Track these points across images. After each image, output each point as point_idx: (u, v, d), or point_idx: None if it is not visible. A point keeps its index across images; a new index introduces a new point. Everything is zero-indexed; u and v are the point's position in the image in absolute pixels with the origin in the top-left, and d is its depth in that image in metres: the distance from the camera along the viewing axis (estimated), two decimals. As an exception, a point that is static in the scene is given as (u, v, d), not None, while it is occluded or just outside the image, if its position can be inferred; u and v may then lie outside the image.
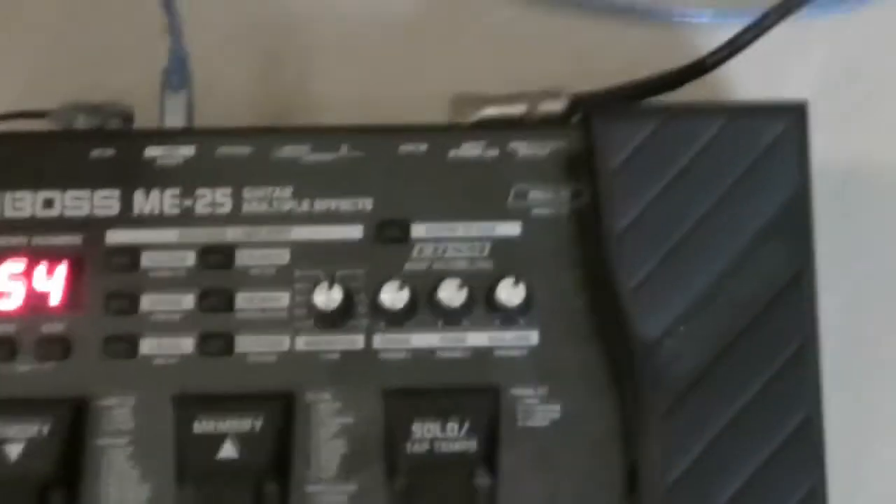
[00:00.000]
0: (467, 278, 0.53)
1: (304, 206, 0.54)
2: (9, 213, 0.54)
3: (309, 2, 0.64)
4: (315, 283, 0.53)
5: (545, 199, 0.55)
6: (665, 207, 0.51)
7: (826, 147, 0.58)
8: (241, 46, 0.63)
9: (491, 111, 0.57)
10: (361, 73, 0.63)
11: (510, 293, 0.53)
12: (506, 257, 0.54)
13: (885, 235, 0.62)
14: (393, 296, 0.53)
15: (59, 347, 0.53)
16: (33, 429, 0.51)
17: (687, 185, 0.51)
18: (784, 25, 0.60)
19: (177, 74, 0.57)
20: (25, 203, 0.54)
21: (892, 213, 0.62)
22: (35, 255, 0.53)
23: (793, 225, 0.51)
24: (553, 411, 0.53)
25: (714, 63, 0.57)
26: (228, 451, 0.51)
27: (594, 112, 0.52)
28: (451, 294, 0.53)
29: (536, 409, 0.53)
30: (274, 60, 0.63)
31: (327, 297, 0.52)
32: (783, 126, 0.51)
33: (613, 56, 0.63)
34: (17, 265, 0.53)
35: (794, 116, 0.51)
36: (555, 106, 0.57)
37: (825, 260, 0.54)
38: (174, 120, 0.57)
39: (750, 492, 0.49)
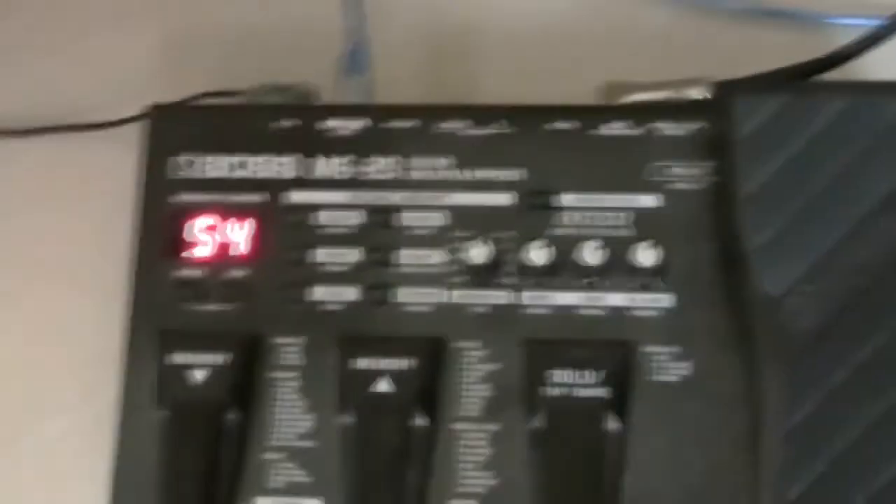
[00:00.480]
0: (608, 243, 0.58)
1: (463, 174, 0.60)
2: (205, 172, 0.61)
3: (478, 3, 0.70)
4: (469, 241, 0.59)
5: (684, 175, 0.59)
6: (792, 174, 0.55)
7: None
8: (415, 44, 0.69)
9: (637, 97, 0.62)
10: (522, 73, 0.68)
11: (647, 255, 0.57)
12: (645, 226, 0.59)
13: None
14: (538, 253, 0.58)
15: (241, 291, 0.59)
16: (216, 358, 0.58)
17: (813, 154, 0.55)
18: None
19: (357, 59, 0.64)
20: (220, 165, 0.62)
21: None
22: (225, 210, 0.61)
23: (916, 197, 0.54)
24: (684, 368, 0.57)
25: (852, 54, 0.60)
26: (384, 386, 0.57)
27: (727, 86, 0.57)
28: (590, 253, 0.58)
29: (668, 365, 0.57)
30: (444, 57, 0.69)
31: (479, 252, 0.58)
32: (909, 104, 0.54)
33: (760, 60, 0.67)
34: (209, 218, 0.61)
35: (920, 96, 0.55)
36: (698, 92, 0.61)
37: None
38: (352, 99, 0.64)
39: (866, 444, 0.52)
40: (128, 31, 0.70)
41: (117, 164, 0.64)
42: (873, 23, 0.64)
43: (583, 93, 0.63)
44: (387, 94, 0.65)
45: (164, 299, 0.59)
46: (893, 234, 0.54)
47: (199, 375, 0.58)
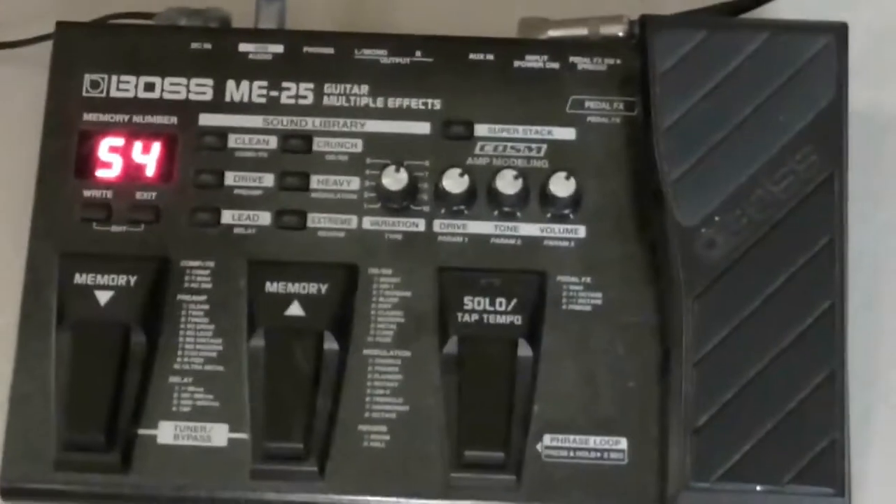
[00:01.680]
0: (523, 174, 0.58)
1: (379, 102, 0.60)
2: (114, 93, 0.60)
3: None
4: (384, 169, 0.58)
5: (600, 109, 0.59)
6: (708, 109, 0.55)
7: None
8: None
9: (555, 32, 0.62)
10: (441, 5, 0.68)
11: (561, 186, 0.57)
12: (560, 158, 0.59)
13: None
14: (454, 181, 0.58)
15: (150, 213, 0.58)
16: (122, 279, 0.57)
17: (730, 90, 0.56)
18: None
19: (273, -15, 0.63)
20: (129, 85, 0.60)
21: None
22: (134, 132, 0.59)
23: (827, 132, 0.55)
24: (595, 298, 0.57)
25: (765, -2, 0.61)
26: (295, 309, 0.56)
27: (649, 21, 0.57)
28: (506, 183, 0.58)
29: (580, 295, 0.57)
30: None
31: (394, 179, 0.58)
32: (824, 42, 0.56)
33: (677, 5, 0.68)
34: (118, 139, 0.59)
35: (834, 35, 0.56)
36: (616, 29, 0.62)
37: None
38: (267, 26, 0.63)
39: (773, 371, 0.53)
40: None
41: (28, 85, 0.62)
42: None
43: (499, 29, 0.63)
44: (302, 23, 0.64)
45: (69, 220, 0.58)
46: (805, 167, 0.55)
47: (103, 297, 0.56)
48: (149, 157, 0.59)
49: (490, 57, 0.60)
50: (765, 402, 0.53)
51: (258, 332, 0.56)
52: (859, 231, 0.61)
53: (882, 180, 0.63)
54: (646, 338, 0.56)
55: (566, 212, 0.58)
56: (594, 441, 0.56)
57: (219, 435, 0.56)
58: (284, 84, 0.60)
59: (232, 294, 0.57)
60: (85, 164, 0.59)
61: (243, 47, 0.60)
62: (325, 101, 0.60)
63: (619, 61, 0.60)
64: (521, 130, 0.59)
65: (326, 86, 0.60)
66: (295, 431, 0.55)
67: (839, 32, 0.56)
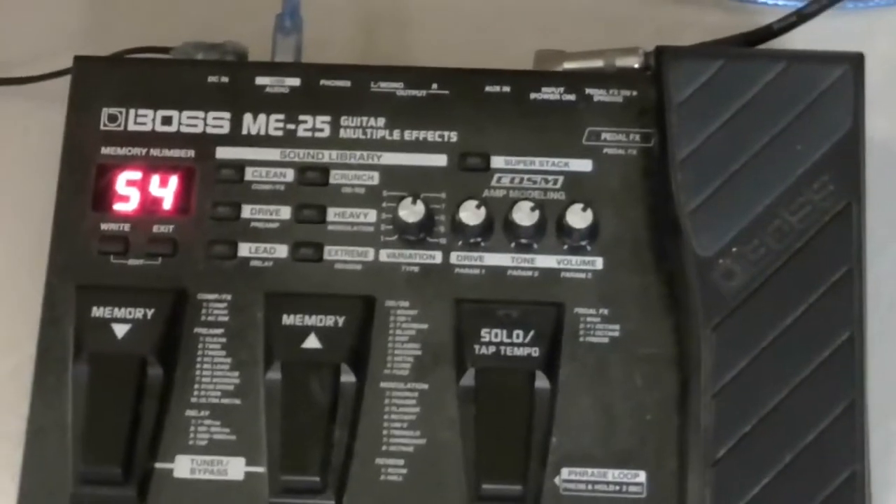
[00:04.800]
0: (540, 205, 0.58)
1: (395, 135, 0.60)
2: (131, 126, 0.60)
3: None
4: (400, 201, 0.58)
5: (616, 141, 0.59)
6: (725, 139, 0.55)
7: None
8: (350, 10, 0.69)
9: (571, 64, 0.62)
10: (456, 39, 0.68)
11: (578, 217, 0.57)
12: (577, 189, 0.59)
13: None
14: (470, 213, 0.57)
15: (167, 246, 0.58)
16: (139, 312, 0.57)
17: (746, 120, 0.56)
18: (851, 14, 0.64)
19: (289, 19, 0.63)
20: (147, 119, 0.60)
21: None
22: (152, 165, 0.60)
23: (844, 162, 0.55)
24: (612, 330, 0.57)
25: (781, 29, 0.61)
26: (312, 342, 0.56)
27: (664, 52, 0.57)
28: (523, 215, 0.57)
29: (597, 326, 0.57)
30: (378, 24, 0.69)
31: (410, 211, 0.57)
32: (840, 72, 0.56)
33: (692, 37, 0.68)
34: (135, 173, 0.59)
35: (851, 64, 0.56)
36: (631, 60, 0.62)
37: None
38: (283, 59, 0.63)
39: (791, 404, 0.53)
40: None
41: (45, 119, 0.62)
42: (798, 4, 0.65)
43: (516, 61, 0.63)
44: (319, 58, 0.64)
45: (86, 253, 0.58)
46: (822, 197, 0.55)
47: (120, 329, 0.56)
48: (166, 191, 0.59)
49: (506, 89, 0.60)
50: (784, 434, 0.53)
51: (275, 364, 0.56)
52: (877, 261, 0.61)
53: (898, 211, 0.63)
54: (664, 369, 0.56)
55: (583, 243, 0.58)
56: (612, 474, 0.55)
57: (235, 469, 0.56)
58: (301, 117, 0.60)
59: (249, 327, 0.57)
60: (102, 197, 0.59)
61: (260, 80, 0.60)
62: (342, 133, 0.60)
63: (635, 93, 0.60)
64: (537, 162, 0.59)
65: (343, 118, 0.60)
66: (312, 464, 0.54)
67: (855, 62, 0.56)
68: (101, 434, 0.55)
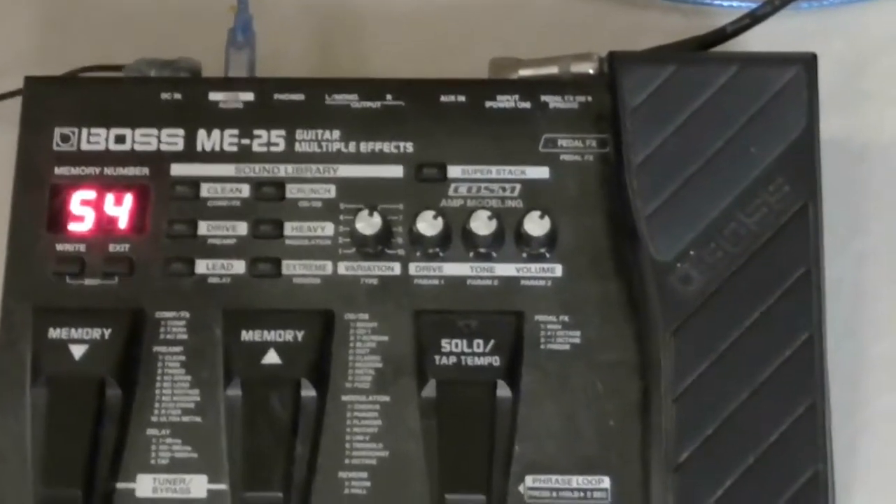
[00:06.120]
0: (497, 214, 0.58)
1: (351, 147, 0.59)
2: (84, 146, 0.59)
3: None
4: (357, 213, 0.58)
5: (573, 147, 0.59)
6: (680, 143, 0.55)
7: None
8: (300, 21, 0.69)
9: (526, 72, 0.62)
10: (411, 49, 0.68)
11: (536, 225, 0.57)
12: (534, 197, 0.58)
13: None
14: (428, 224, 0.57)
15: (123, 265, 0.58)
16: (96, 332, 0.56)
17: (701, 123, 0.56)
18: (805, 14, 0.64)
19: (241, 34, 0.63)
20: (100, 138, 0.60)
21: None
22: (106, 184, 0.59)
23: (799, 163, 0.55)
24: (573, 337, 0.57)
25: (734, 31, 0.61)
26: (272, 357, 0.56)
27: (617, 58, 0.57)
28: (481, 224, 0.57)
29: (558, 334, 0.57)
30: (332, 34, 0.69)
31: (368, 223, 0.57)
32: (794, 73, 0.56)
33: (649, 41, 0.68)
34: (89, 193, 0.59)
35: (803, 65, 0.56)
36: (586, 66, 0.62)
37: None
38: (237, 74, 0.63)
39: (754, 405, 0.53)
40: (5, 5, 0.69)
41: None
42: (753, 5, 0.65)
43: (471, 69, 0.63)
44: (274, 71, 0.64)
45: (42, 275, 0.58)
46: (778, 199, 0.55)
47: (77, 351, 0.56)
48: (121, 210, 0.59)
49: (461, 98, 0.60)
50: (746, 437, 0.53)
51: (235, 381, 0.56)
52: (837, 261, 0.61)
53: (857, 209, 0.63)
54: (626, 375, 0.56)
55: (542, 251, 0.58)
56: (577, 481, 0.55)
57: (198, 486, 0.55)
58: (256, 132, 0.60)
59: (208, 344, 0.57)
60: (57, 218, 0.58)
61: (213, 96, 0.60)
62: (297, 147, 0.59)
63: (590, 99, 0.60)
64: (494, 171, 0.59)
65: (298, 132, 0.60)
66: (274, 480, 0.54)
67: (808, 63, 0.56)
68: (60, 456, 0.54)
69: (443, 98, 0.60)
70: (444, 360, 0.56)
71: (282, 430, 0.55)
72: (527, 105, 0.60)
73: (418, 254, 0.58)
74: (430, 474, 0.55)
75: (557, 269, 0.58)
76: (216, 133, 0.60)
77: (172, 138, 0.60)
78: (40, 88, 0.60)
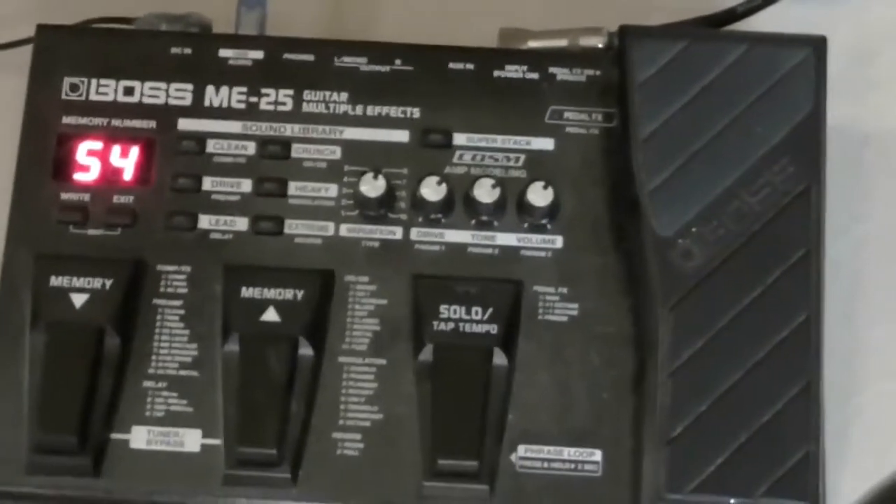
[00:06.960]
0: (501, 183, 0.58)
1: (358, 110, 0.60)
2: (93, 97, 0.60)
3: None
4: (361, 176, 0.58)
5: (579, 120, 0.59)
6: (686, 120, 0.56)
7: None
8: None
9: (535, 43, 0.62)
10: (422, 15, 0.68)
11: (539, 195, 0.57)
12: (538, 168, 0.59)
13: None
14: (431, 189, 0.58)
15: (126, 216, 0.58)
16: (97, 282, 0.56)
17: (708, 101, 0.56)
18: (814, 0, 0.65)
19: (255, -8, 0.63)
20: (108, 89, 0.60)
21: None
22: (113, 136, 0.59)
23: (804, 145, 0.55)
24: (571, 309, 0.57)
25: (745, 12, 0.61)
26: (271, 315, 0.56)
27: (628, 32, 0.57)
28: (484, 192, 0.57)
29: (556, 305, 0.57)
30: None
31: (371, 186, 0.57)
32: (803, 55, 0.56)
33: (657, 19, 0.68)
34: (96, 143, 0.59)
35: (813, 48, 0.56)
36: (595, 40, 0.62)
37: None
38: (247, 33, 0.63)
39: (748, 383, 0.53)
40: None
41: (5, 88, 0.62)
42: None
43: (481, 39, 0.63)
44: (284, 31, 0.63)
45: (45, 222, 0.58)
46: (782, 179, 0.55)
47: (78, 299, 0.56)
48: (127, 161, 0.59)
49: (470, 66, 0.60)
50: (739, 414, 0.53)
51: (233, 337, 0.56)
52: (837, 244, 0.61)
53: (859, 194, 0.63)
54: (621, 348, 0.56)
55: (543, 222, 0.58)
56: (568, 452, 0.55)
57: (192, 440, 0.55)
58: (264, 90, 0.60)
59: (207, 299, 0.57)
60: (63, 167, 0.59)
61: (223, 53, 0.60)
62: (304, 107, 0.60)
63: (598, 72, 0.60)
64: (499, 140, 0.59)
65: (306, 92, 0.60)
66: (268, 437, 0.54)
67: (818, 46, 0.57)
68: (56, 403, 0.55)
69: (451, 65, 0.60)
70: (442, 326, 0.56)
71: (277, 388, 0.55)
72: (535, 76, 0.60)
73: (420, 219, 0.58)
74: (422, 439, 0.55)
75: (558, 241, 0.58)
76: (224, 90, 0.60)
77: (181, 93, 0.60)
78: (52, 37, 0.60)
